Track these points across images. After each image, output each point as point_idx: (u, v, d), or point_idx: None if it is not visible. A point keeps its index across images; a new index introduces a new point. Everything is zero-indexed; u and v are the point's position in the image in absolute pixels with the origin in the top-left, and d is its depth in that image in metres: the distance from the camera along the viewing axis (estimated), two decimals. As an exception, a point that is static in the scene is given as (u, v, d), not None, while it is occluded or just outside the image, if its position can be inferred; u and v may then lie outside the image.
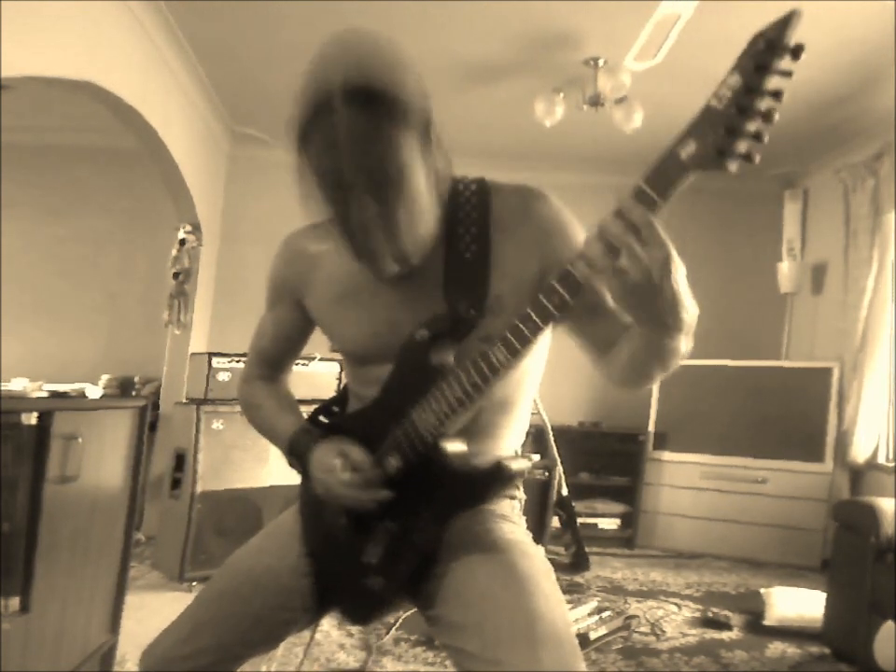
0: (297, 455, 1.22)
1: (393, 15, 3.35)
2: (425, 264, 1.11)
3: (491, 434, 1.18)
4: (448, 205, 1.13)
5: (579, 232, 1.13)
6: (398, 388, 1.13)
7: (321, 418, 1.32)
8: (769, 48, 0.76)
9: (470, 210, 1.12)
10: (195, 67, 4.08)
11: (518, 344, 0.96)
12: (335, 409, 1.33)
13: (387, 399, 1.15)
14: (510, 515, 1.20)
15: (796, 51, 0.75)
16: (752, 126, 0.77)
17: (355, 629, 2.88)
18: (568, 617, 1.06)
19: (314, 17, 3.30)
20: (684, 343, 0.97)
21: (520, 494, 1.27)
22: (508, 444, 1.23)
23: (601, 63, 3.75)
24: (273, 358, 1.39)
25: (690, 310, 0.91)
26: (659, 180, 0.83)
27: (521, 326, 0.95)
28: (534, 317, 0.94)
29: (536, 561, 1.11)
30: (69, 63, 2.88)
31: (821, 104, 4.05)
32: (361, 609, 1.23)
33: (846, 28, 3.28)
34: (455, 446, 1.07)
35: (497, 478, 1.07)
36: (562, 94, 3.92)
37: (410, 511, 1.10)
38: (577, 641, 1.02)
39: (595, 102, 3.80)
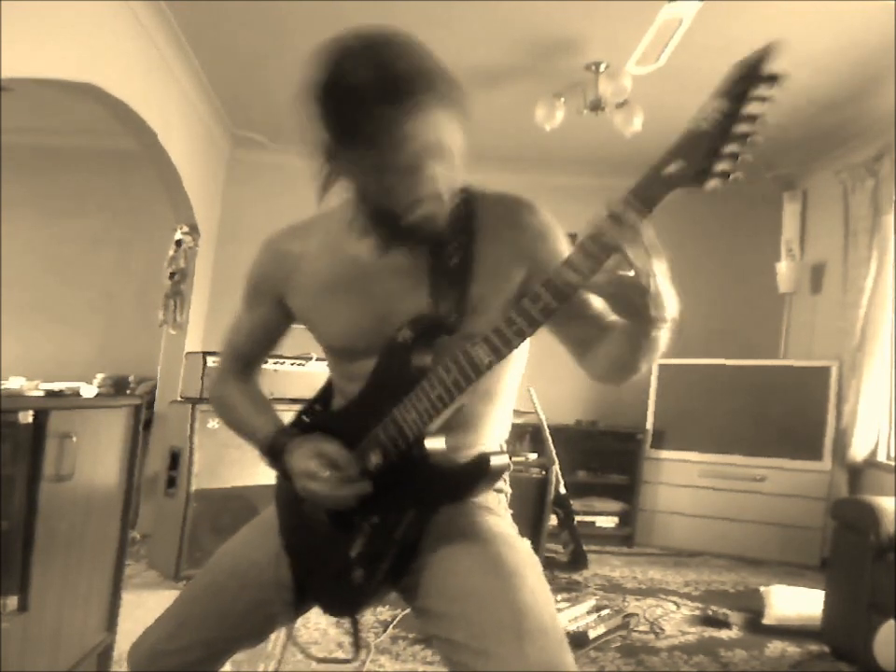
0: (275, 456, 1.23)
1: (394, 19, 3.30)
2: (410, 263, 1.13)
3: (474, 425, 1.19)
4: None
5: (562, 239, 1.17)
6: (380, 386, 1.14)
7: (304, 418, 1.32)
8: (750, 76, 0.81)
9: (457, 218, 1.13)
10: (196, 70, 4.07)
11: (501, 346, 0.98)
12: (317, 407, 1.33)
13: (370, 397, 1.16)
14: (495, 508, 1.21)
15: (775, 80, 0.81)
16: (731, 148, 0.82)
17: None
18: (554, 609, 1.07)
19: (315, 21, 3.28)
20: (665, 336, 1.01)
21: (506, 487, 1.27)
22: (492, 435, 1.23)
23: (603, 67, 3.75)
24: (248, 357, 1.39)
25: (673, 304, 0.97)
26: (644, 194, 0.88)
27: (505, 329, 0.97)
28: (518, 322, 0.96)
29: (521, 553, 1.12)
30: (70, 65, 2.87)
31: (821, 105, 4.05)
32: (341, 603, 1.23)
33: (846, 30, 3.28)
34: (435, 443, 1.08)
35: (478, 474, 1.07)
36: (563, 99, 3.91)
37: (391, 506, 1.11)
38: (563, 633, 1.03)
39: (596, 106, 3.79)
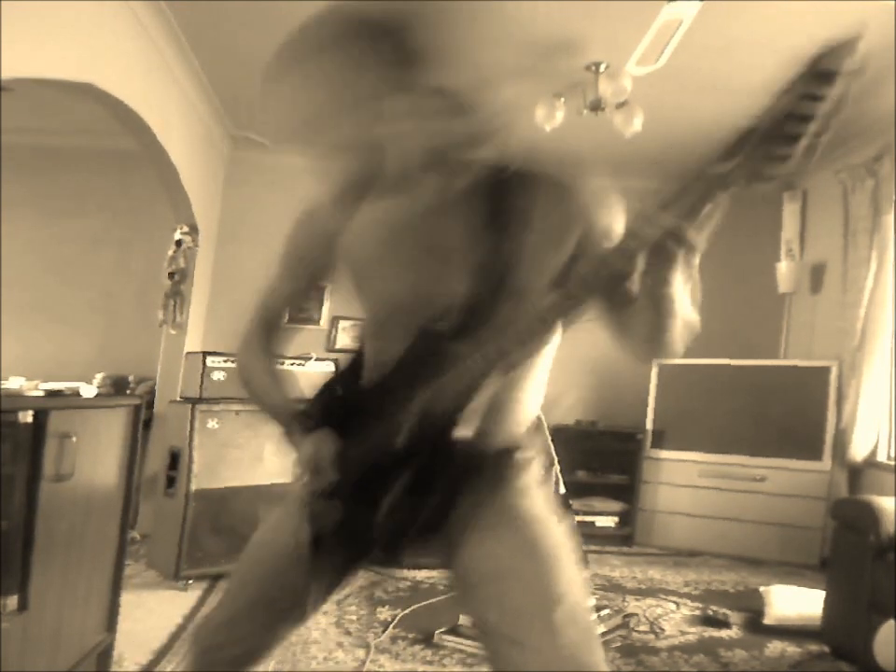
0: (289, 436, 1.28)
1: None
2: (452, 244, 1.14)
3: (505, 409, 1.18)
4: (491, 192, 1.14)
5: (613, 223, 1.13)
6: (411, 369, 1.14)
7: (337, 388, 1.33)
8: (806, 73, 0.79)
9: (511, 200, 1.13)
10: (196, 70, 4.07)
11: (530, 342, 1.02)
12: (338, 389, 1.33)
13: (400, 378, 1.15)
14: (533, 488, 1.20)
15: (832, 77, 0.80)
16: (785, 150, 0.80)
17: (353, 628, 2.88)
18: (586, 597, 1.10)
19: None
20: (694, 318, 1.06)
21: (539, 467, 1.26)
22: (522, 418, 1.22)
23: (603, 67, 3.74)
24: (277, 319, 1.40)
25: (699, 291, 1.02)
26: (686, 196, 0.88)
27: (536, 325, 1.01)
28: (548, 317, 1.00)
29: (558, 539, 1.13)
30: (70, 65, 2.87)
31: (820, 104, 4.04)
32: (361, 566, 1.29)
33: (845, 29, 3.28)
34: (462, 430, 1.08)
35: (504, 464, 1.10)
36: (563, 99, 3.91)
37: (414, 488, 1.11)
38: (593, 623, 1.08)
39: (596, 107, 3.79)
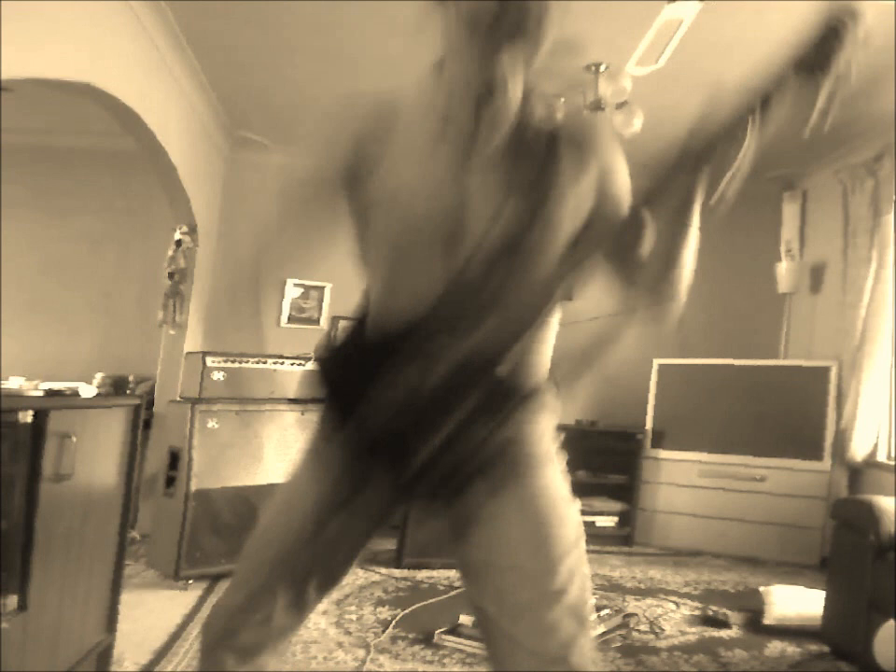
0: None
1: (393, 18, 3.33)
2: (496, 178, 1.15)
3: (532, 350, 1.18)
4: (522, 133, 1.19)
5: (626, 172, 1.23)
6: (448, 311, 1.11)
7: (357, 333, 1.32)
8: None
9: (539, 142, 1.18)
10: (196, 70, 4.08)
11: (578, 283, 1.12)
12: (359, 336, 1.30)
13: (434, 321, 1.11)
14: (552, 456, 1.19)
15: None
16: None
17: (353, 628, 2.88)
18: (587, 593, 1.12)
19: (315, 21, 3.26)
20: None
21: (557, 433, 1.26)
22: (545, 361, 1.22)
23: (602, 68, 3.75)
24: (315, 198, 1.32)
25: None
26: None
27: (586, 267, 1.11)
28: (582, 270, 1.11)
29: (572, 530, 1.13)
30: (69, 65, 2.87)
31: (820, 104, 4.04)
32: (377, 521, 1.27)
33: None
34: (503, 369, 1.09)
35: (536, 399, 1.14)
36: (562, 100, 3.91)
37: (454, 423, 1.08)
38: (590, 623, 1.10)
39: (596, 107, 3.80)
